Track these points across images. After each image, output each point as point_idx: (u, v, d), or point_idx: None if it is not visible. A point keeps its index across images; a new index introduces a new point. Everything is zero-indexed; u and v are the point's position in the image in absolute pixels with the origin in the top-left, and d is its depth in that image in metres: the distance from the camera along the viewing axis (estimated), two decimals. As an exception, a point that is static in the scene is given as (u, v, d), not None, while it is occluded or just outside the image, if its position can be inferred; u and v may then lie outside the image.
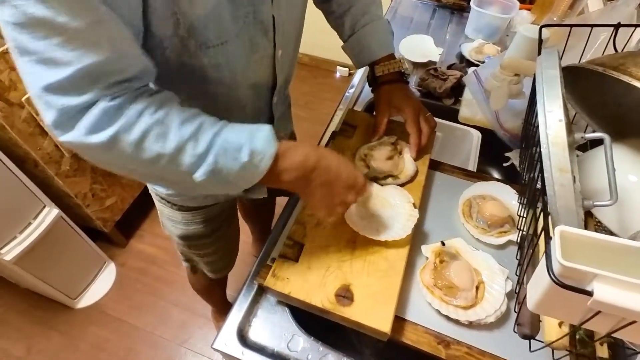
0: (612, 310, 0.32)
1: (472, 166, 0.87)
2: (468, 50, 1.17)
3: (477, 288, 0.58)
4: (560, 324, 0.46)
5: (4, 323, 1.46)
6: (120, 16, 0.39)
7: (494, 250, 0.66)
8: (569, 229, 0.34)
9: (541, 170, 0.43)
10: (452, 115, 0.96)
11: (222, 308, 1.36)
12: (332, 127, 0.86)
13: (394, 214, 0.65)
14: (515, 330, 0.51)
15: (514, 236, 0.66)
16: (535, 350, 0.48)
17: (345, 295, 0.56)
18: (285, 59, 0.63)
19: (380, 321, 0.54)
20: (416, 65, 1.13)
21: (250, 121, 0.50)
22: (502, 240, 0.66)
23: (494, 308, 0.56)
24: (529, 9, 1.28)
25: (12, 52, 0.37)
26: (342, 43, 0.80)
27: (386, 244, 0.61)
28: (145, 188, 1.62)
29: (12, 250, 1.17)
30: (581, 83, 0.57)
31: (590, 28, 0.58)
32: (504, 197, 0.72)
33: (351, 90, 1.03)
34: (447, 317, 0.57)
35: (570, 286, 0.32)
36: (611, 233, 0.52)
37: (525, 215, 0.60)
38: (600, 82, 0.54)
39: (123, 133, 0.41)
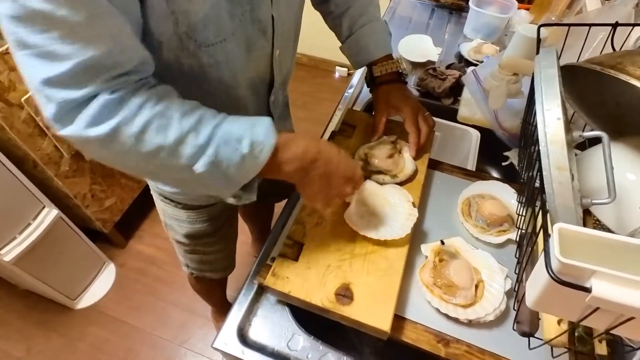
0: (611, 307, 0.32)
1: (471, 165, 0.87)
2: (467, 50, 1.17)
3: (476, 287, 0.59)
4: (559, 322, 0.46)
5: (3, 324, 1.46)
6: (119, 10, 0.39)
7: (493, 249, 0.66)
8: (568, 226, 0.34)
9: (540, 169, 0.43)
10: (451, 114, 0.96)
11: (222, 308, 1.36)
12: (332, 127, 0.86)
13: (393, 213, 0.66)
14: (515, 328, 0.51)
15: (513, 235, 0.66)
16: (535, 348, 0.49)
17: (345, 294, 0.56)
18: (283, 59, 0.64)
19: (380, 320, 0.54)
20: (415, 65, 1.13)
21: None
22: (501, 239, 0.66)
23: (493, 306, 0.56)
24: (527, 9, 1.29)
25: (11, 46, 0.37)
26: (340, 44, 0.80)
27: (386, 243, 0.62)
28: (145, 189, 1.63)
29: (12, 251, 1.17)
30: (579, 82, 0.57)
31: (588, 27, 0.58)
32: (503, 196, 0.72)
33: (350, 90, 1.04)
34: (447, 316, 0.57)
35: (569, 283, 0.32)
36: (609, 231, 0.52)
37: (524, 214, 0.60)
38: (598, 81, 0.55)
39: (124, 126, 0.41)
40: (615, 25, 0.54)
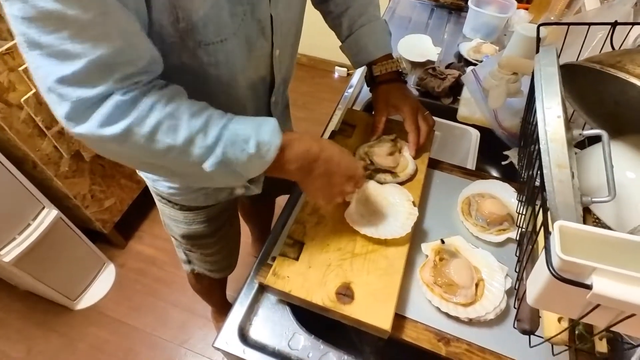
0: (611, 304, 0.32)
1: (471, 165, 0.87)
2: (466, 49, 1.17)
3: (476, 285, 0.59)
4: (559, 319, 0.46)
5: (3, 325, 1.46)
6: (127, 7, 0.40)
7: (493, 248, 0.66)
8: (568, 223, 0.34)
9: (540, 167, 0.43)
10: (450, 114, 0.96)
11: (222, 308, 1.36)
12: (332, 126, 0.86)
13: (393, 213, 0.66)
14: (515, 326, 0.51)
15: (513, 234, 0.66)
16: (535, 346, 0.49)
17: (345, 293, 0.56)
18: (283, 59, 0.64)
19: (381, 319, 0.54)
20: (414, 64, 1.13)
21: None
22: (501, 238, 0.66)
23: (494, 305, 0.57)
24: (526, 9, 1.29)
25: (21, 47, 0.38)
26: (340, 43, 0.80)
27: (386, 242, 0.62)
28: (145, 189, 1.63)
29: (12, 252, 1.17)
30: (579, 81, 0.57)
31: (587, 26, 0.58)
32: (503, 195, 0.72)
33: (350, 90, 1.04)
34: (447, 315, 0.57)
35: (570, 280, 0.32)
36: (609, 229, 0.52)
37: (524, 213, 0.60)
38: (598, 79, 0.55)
39: (136, 126, 0.42)
40: (614, 25, 0.54)
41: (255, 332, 0.60)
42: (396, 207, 0.66)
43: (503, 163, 0.84)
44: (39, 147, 1.17)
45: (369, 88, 0.81)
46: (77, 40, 0.37)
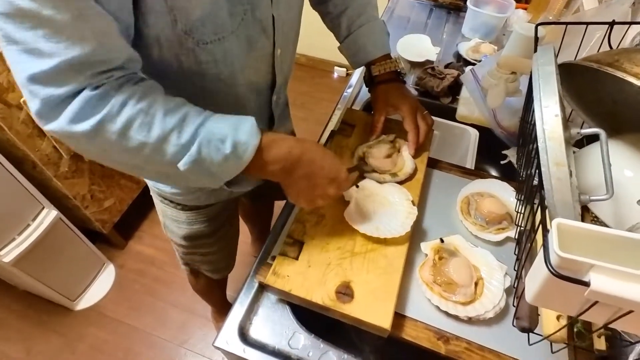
0: (609, 300, 0.32)
1: (470, 164, 0.88)
2: (465, 49, 1.18)
3: (476, 284, 0.59)
4: (558, 317, 0.47)
5: (3, 325, 1.46)
6: (106, 10, 0.40)
7: (493, 247, 0.66)
8: (566, 221, 0.35)
9: (538, 165, 0.43)
10: (449, 113, 0.96)
11: (222, 308, 1.36)
12: (331, 126, 0.86)
13: (393, 212, 0.66)
14: (514, 324, 0.51)
15: (512, 233, 0.66)
16: (534, 344, 0.49)
17: (345, 292, 0.56)
18: (284, 58, 0.64)
19: (381, 317, 0.54)
20: (413, 64, 1.13)
21: None
22: (500, 236, 0.67)
23: (493, 304, 0.57)
24: (525, 8, 1.29)
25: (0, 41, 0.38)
26: (338, 44, 0.80)
27: (385, 241, 0.62)
28: (144, 189, 1.63)
29: (11, 252, 1.17)
30: (577, 80, 0.58)
31: (585, 26, 0.59)
32: (502, 194, 0.72)
33: (349, 90, 1.04)
34: (447, 313, 0.57)
35: (568, 277, 0.33)
36: (607, 227, 0.52)
37: (522, 211, 0.60)
38: (596, 78, 0.55)
39: (107, 122, 0.41)
40: (612, 24, 0.54)
41: (256, 332, 0.60)
42: (395, 206, 0.67)
43: (502, 162, 0.84)
44: (38, 148, 1.17)
45: (367, 88, 0.81)
46: (52, 39, 0.37)
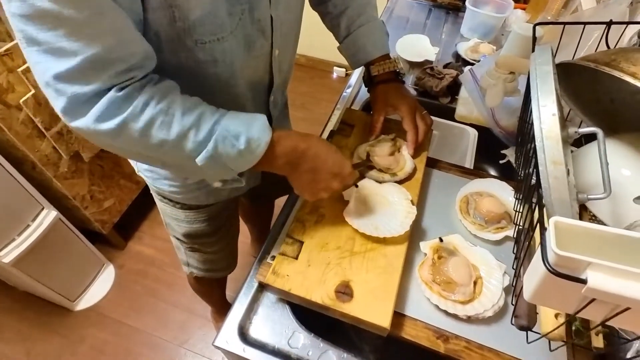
0: (606, 298, 0.32)
1: (468, 163, 0.88)
2: (464, 49, 1.18)
3: (475, 283, 0.59)
4: (556, 315, 0.47)
5: (2, 326, 1.46)
6: (121, 6, 0.41)
7: (491, 246, 0.67)
8: (563, 219, 0.35)
9: (536, 164, 0.43)
10: (448, 113, 0.97)
11: (222, 308, 1.37)
12: (330, 126, 0.86)
13: (392, 211, 0.66)
14: (513, 322, 0.52)
15: (511, 232, 0.67)
16: (533, 342, 0.49)
17: (344, 291, 0.57)
18: (282, 59, 0.64)
19: (380, 317, 0.54)
20: (412, 64, 1.14)
21: None
22: (499, 236, 0.67)
23: (492, 302, 0.57)
24: (523, 8, 1.30)
25: (20, 43, 0.40)
26: (338, 44, 0.81)
27: (385, 241, 0.62)
28: (144, 189, 1.63)
29: (11, 253, 1.17)
30: (575, 80, 0.58)
31: (583, 26, 0.59)
32: (501, 194, 0.72)
33: (348, 90, 1.04)
34: (446, 312, 0.57)
35: (565, 275, 0.33)
36: (605, 225, 0.52)
37: (521, 211, 0.61)
38: (593, 78, 0.55)
39: (130, 122, 0.44)
40: (609, 24, 0.55)
41: (255, 331, 0.60)
42: (395, 205, 0.67)
43: (501, 162, 0.84)
44: (38, 148, 1.17)
45: (367, 88, 0.81)
46: (72, 38, 0.38)
